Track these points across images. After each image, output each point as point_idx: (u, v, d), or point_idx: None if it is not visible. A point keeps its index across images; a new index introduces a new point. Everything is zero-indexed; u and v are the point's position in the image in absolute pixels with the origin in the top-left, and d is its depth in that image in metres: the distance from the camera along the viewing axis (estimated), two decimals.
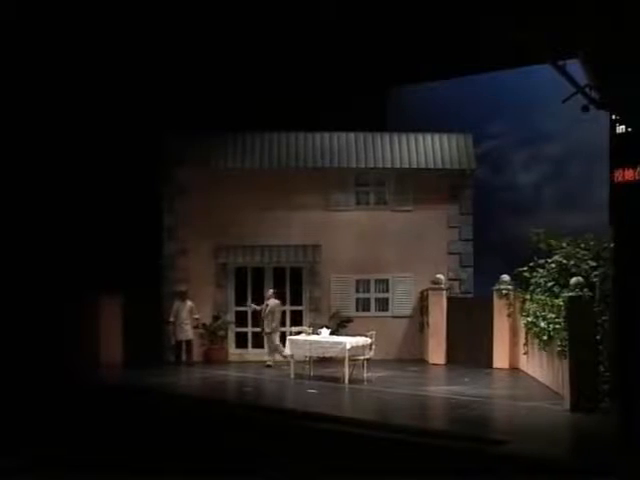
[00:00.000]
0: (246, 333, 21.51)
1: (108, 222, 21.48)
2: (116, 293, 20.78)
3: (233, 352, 21.35)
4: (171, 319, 20.51)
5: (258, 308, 20.13)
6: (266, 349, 20.02)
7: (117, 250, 21.19)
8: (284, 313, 21.32)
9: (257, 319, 21.02)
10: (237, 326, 21.48)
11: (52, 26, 18.62)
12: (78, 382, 18.07)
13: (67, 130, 21.20)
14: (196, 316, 20.61)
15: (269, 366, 19.66)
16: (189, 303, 20.60)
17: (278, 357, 19.65)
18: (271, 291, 20.30)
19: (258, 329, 20.86)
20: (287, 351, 18.62)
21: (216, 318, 21.35)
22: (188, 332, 20.53)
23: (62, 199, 21.44)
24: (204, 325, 21.10)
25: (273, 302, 19.97)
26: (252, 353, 21.36)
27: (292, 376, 18.34)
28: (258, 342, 21.28)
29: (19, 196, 20.96)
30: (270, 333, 19.87)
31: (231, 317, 21.63)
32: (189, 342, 20.59)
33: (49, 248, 20.99)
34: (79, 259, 20.95)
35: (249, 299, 21.29)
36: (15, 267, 20.47)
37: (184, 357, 20.45)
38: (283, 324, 21.13)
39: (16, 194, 20.92)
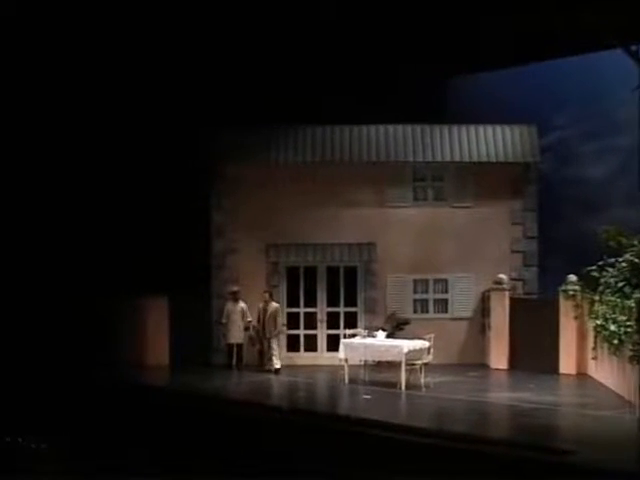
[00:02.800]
0: (298, 336, 21.58)
1: (156, 220, 21.85)
2: (163, 293, 21.05)
3: (285, 356, 21.23)
4: (223, 320, 20.61)
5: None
6: (273, 354, 19.98)
7: (164, 249, 21.61)
8: (338, 315, 21.46)
9: (311, 321, 21.26)
10: (289, 328, 21.45)
11: (84, 17, 18.95)
12: (123, 384, 18.38)
13: (114, 127, 21.55)
14: (249, 319, 20.67)
15: (269, 371, 19.70)
16: (241, 304, 20.68)
17: (275, 365, 19.71)
18: (269, 293, 20.30)
19: (312, 331, 20.97)
20: (341, 355, 18.60)
21: None
22: (239, 335, 20.61)
23: (110, 197, 21.83)
24: (254, 327, 20.90)
25: (273, 305, 20.00)
26: (304, 357, 21.44)
27: (346, 381, 18.33)
28: (311, 345, 21.46)
29: (68, 193, 21.39)
30: (270, 339, 19.93)
31: (283, 319, 21.47)
32: (240, 345, 20.64)
33: (97, 247, 21.38)
34: (126, 258, 21.34)
35: (301, 300, 21.33)
36: (62, 266, 20.87)
37: (234, 360, 20.51)
38: (337, 326, 21.28)
39: (64, 191, 21.36)
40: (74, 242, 21.08)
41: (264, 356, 20.15)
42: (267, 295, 20.28)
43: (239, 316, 20.58)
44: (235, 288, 20.82)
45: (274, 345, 20.09)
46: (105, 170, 21.55)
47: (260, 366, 20.28)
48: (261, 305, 20.13)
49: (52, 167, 21.00)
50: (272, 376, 19.61)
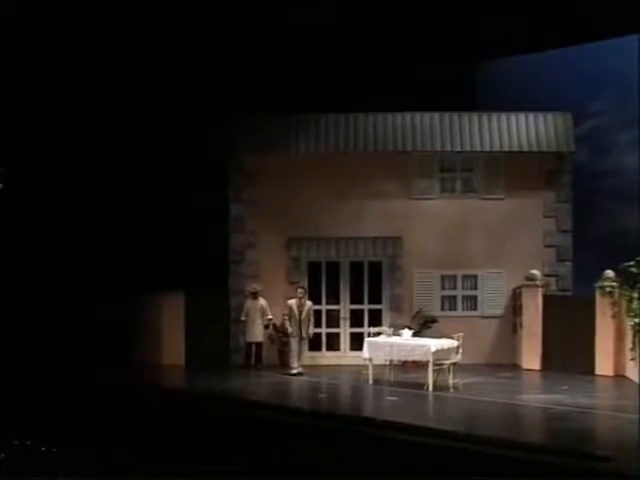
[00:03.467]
0: (320, 334, 21.42)
1: (171, 214, 21.77)
2: (178, 289, 21.04)
3: (307, 355, 20.99)
4: (242, 318, 20.56)
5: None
6: (293, 356, 19.75)
7: (180, 243, 21.45)
8: (362, 313, 21.46)
9: (334, 319, 21.30)
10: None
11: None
12: (135, 385, 18.43)
13: (126, 116, 21.51)
14: (269, 316, 20.59)
15: (296, 375, 19.45)
16: (261, 301, 20.59)
17: (301, 369, 19.51)
18: (303, 290, 19.92)
19: (334, 330, 21.02)
20: (365, 354, 18.53)
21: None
22: (258, 333, 20.59)
23: (124, 190, 21.81)
24: (275, 326, 21.04)
25: (309, 303, 19.84)
26: (327, 356, 21.43)
27: (370, 382, 18.28)
28: (333, 344, 21.45)
29: (80, 185, 21.44)
30: (303, 339, 19.74)
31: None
32: (259, 345, 20.64)
33: (109, 242, 21.37)
34: (140, 253, 21.28)
35: (324, 297, 21.27)
36: (73, 262, 20.94)
37: (253, 360, 20.52)
38: (361, 324, 21.28)
39: (75, 183, 21.41)
40: (86, 237, 21.16)
41: (289, 356, 20.02)
42: (302, 292, 19.98)
43: (259, 314, 20.49)
44: (255, 287, 20.75)
45: (304, 348, 19.97)
46: (118, 161, 21.58)
47: (282, 367, 20.31)
48: (293, 301, 19.80)
49: (63, 160, 21.06)
50: (293, 377, 19.51)
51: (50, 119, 20.79)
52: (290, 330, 19.76)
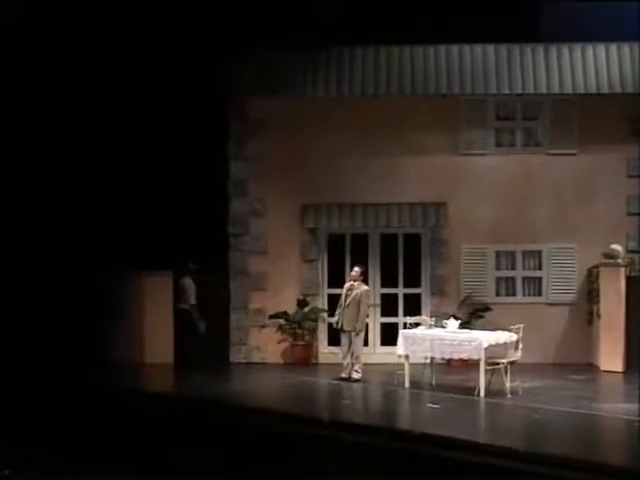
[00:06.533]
0: None
1: (154, 174, 21.61)
2: (165, 269, 21.00)
3: (324, 351, 21.40)
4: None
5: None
6: (341, 355, 19.43)
7: (167, 211, 21.49)
8: (396, 298, 21.51)
9: None
10: (330, 315, 21.06)
11: None
12: (109, 388, 18.41)
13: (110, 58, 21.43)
14: None
15: (348, 379, 19.14)
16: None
17: (354, 374, 19.15)
18: (357, 269, 19.39)
19: None
20: (399, 350, 18.45)
21: (302, 304, 21.32)
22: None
23: (102, 145, 21.84)
24: (285, 314, 21.16)
25: (361, 287, 19.34)
26: None
27: (407, 385, 18.30)
28: None
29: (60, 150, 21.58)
30: (351, 332, 19.22)
31: (323, 303, 21.70)
32: None
33: (75, 206, 21.38)
34: (115, 222, 21.26)
35: (347, 278, 20.93)
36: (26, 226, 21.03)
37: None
38: (394, 313, 21.43)
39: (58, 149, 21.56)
40: (47, 201, 21.26)
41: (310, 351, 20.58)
42: (356, 272, 19.24)
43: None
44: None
45: (359, 343, 19.26)
46: (98, 117, 21.64)
47: (296, 364, 20.73)
48: (347, 284, 19.39)
49: (38, 115, 21.21)
50: (307, 377, 19.66)
51: (32, 92, 21.07)
52: (336, 320, 19.40)
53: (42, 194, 21.29)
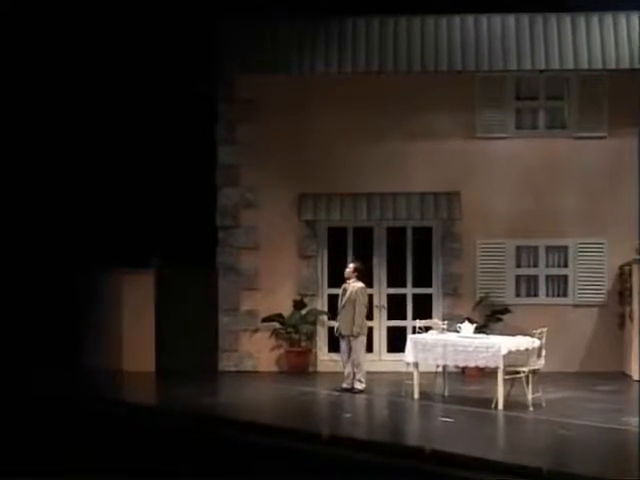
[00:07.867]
0: None
1: (134, 159, 21.71)
2: (147, 266, 21.25)
3: (324, 358, 21.50)
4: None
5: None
6: (341, 362, 19.37)
7: (149, 202, 21.61)
8: (404, 299, 21.52)
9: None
10: (331, 318, 21.19)
11: None
12: (81, 399, 18.35)
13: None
14: None
15: (350, 390, 19.07)
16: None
17: (357, 384, 19.11)
18: (351, 265, 19.45)
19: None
20: (408, 357, 18.39)
21: (299, 305, 21.25)
22: None
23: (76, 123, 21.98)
24: (280, 317, 21.17)
25: (355, 285, 19.22)
26: None
27: (416, 396, 18.28)
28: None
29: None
30: (349, 337, 19.10)
31: (322, 304, 21.76)
32: None
33: (48, 194, 21.52)
34: (91, 213, 21.41)
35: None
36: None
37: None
38: (402, 315, 21.48)
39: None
40: (19, 186, 21.44)
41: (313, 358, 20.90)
42: (350, 268, 19.28)
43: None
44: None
45: (360, 348, 19.09)
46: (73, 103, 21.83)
47: (291, 372, 20.91)
48: (344, 285, 19.38)
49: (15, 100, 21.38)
50: (304, 387, 19.65)
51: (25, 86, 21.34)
52: (337, 326, 19.35)
53: (11, 185, 21.46)
